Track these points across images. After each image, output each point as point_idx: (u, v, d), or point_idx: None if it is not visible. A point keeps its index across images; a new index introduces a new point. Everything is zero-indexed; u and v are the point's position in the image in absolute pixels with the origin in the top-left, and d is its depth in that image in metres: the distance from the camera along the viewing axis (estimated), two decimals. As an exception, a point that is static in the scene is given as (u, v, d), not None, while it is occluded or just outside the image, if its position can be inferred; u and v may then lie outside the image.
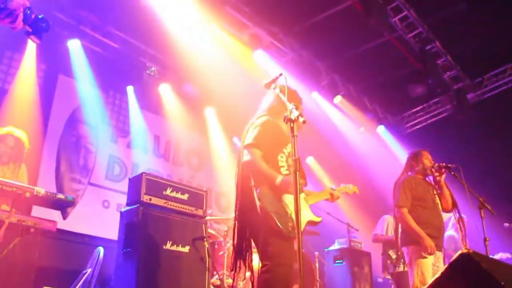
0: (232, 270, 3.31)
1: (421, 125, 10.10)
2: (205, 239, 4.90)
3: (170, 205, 4.83)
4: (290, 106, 2.79)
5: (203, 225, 5.05)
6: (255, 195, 3.16)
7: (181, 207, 4.92)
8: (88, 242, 6.20)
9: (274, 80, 3.20)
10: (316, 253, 6.67)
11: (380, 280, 7.32)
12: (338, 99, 8.68)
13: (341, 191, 3.92)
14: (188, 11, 6.46)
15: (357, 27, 7.61)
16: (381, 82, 9.16)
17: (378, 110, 9.78)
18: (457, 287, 2.12)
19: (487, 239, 4.49)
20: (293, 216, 3.12)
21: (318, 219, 3.51)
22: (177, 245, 4.68)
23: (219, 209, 8.43)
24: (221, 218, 6.49)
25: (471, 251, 2.11)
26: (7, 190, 3.99)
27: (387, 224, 6.80)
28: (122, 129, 7.52)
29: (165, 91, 7.88)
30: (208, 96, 8.37)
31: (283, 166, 3.38)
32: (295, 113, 2.72)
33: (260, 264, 3.22)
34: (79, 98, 7.03)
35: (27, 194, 4.08)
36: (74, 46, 6.97)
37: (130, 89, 7.52)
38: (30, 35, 1.87)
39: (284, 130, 3.52)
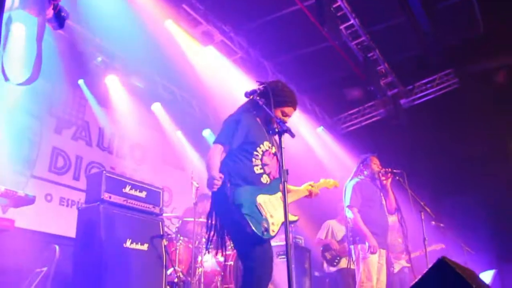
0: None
1: (355, 127, 10.63)
2: (163, 237, 4.97)
3: (130, 203, 4.83)
4: (277, 119, 2.90)
5: (160, 223, 5.11)
6: (230, 195, 3.12)
7: (139, 205, 4.93)
8: (35, 238, 5.96)
9: (255, 91, 3.23)
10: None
11: (317, 274, 7.76)
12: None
13: (320, 187, 3.85)
14: (143, 4, 6.38)
15: (303, 30, 7.89)
16: (322, 84, 9.53)
17: (317, 111, 10.16)
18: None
19: (426, 239, 4.96)
20: (268, 217, 3.17)
21: (294, 218, 3.46)
22: (136, 243, 4.71)
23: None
24: (173, 215, 6.54)
25: (446, 258, 2.40)
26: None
27: (327, 230, 7.36)
28: (68, 120, 7.27)
29: (112, 83, 7.71)
30: (155, 90, 8.33)
31: (257, 165, 3.33)
32: (283, 127, 2.82)
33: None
34: (24, 87, 6.72)
35: (-15, 191, 3.93)
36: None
37: (81, 82, 7.29)
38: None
39: (261, 126, 3.47)
